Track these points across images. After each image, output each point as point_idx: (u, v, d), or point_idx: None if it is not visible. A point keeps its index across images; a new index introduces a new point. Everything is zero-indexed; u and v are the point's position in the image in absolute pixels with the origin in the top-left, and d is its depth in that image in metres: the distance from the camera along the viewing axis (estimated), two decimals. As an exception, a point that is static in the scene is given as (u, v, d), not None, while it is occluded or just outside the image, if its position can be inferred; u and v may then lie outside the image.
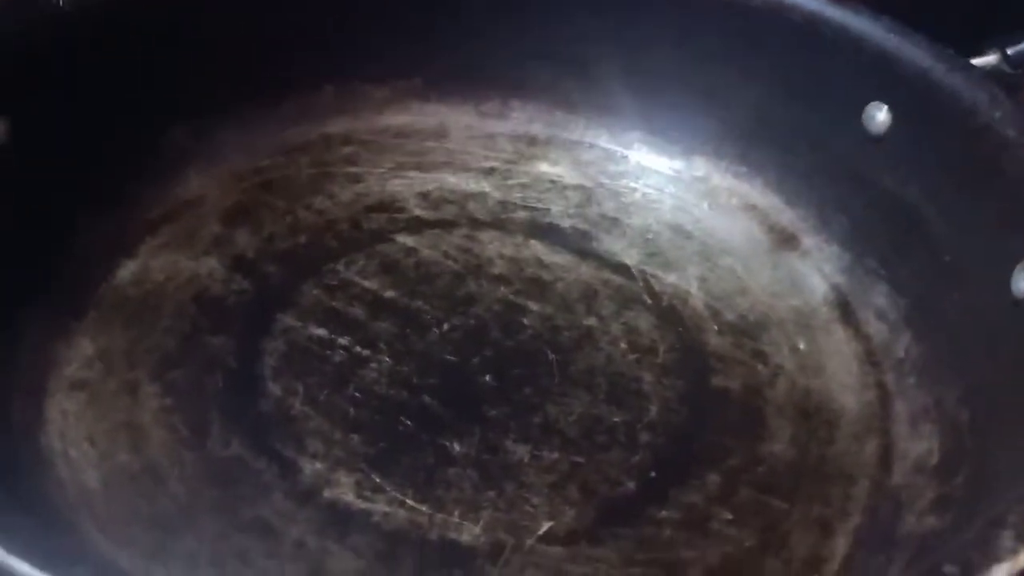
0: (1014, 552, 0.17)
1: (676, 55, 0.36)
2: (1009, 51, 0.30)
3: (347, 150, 0.37)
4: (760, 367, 0.30)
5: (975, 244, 0.27)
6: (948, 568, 0.18)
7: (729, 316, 0.32)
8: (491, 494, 0.26)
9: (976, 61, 0.30)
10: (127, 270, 0.31)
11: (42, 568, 0.16)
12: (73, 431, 0.27)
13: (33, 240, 0.29)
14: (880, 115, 0.31)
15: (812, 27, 0.33)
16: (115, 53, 0.32)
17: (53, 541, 0.18)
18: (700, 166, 0.37)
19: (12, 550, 0.16)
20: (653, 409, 0.29)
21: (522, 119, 0.39)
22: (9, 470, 0.24)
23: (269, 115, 0.36)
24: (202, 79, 0.34)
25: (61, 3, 0.30)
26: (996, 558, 0.18)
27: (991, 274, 0.26)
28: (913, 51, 0.30)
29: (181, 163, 0.34)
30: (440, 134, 0.38)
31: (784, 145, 0.35)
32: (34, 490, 0.24)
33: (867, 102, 0.32)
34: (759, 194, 0.35)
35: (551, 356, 0.31)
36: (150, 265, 0.32)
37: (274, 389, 0.29)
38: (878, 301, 0.31)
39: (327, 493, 0.26)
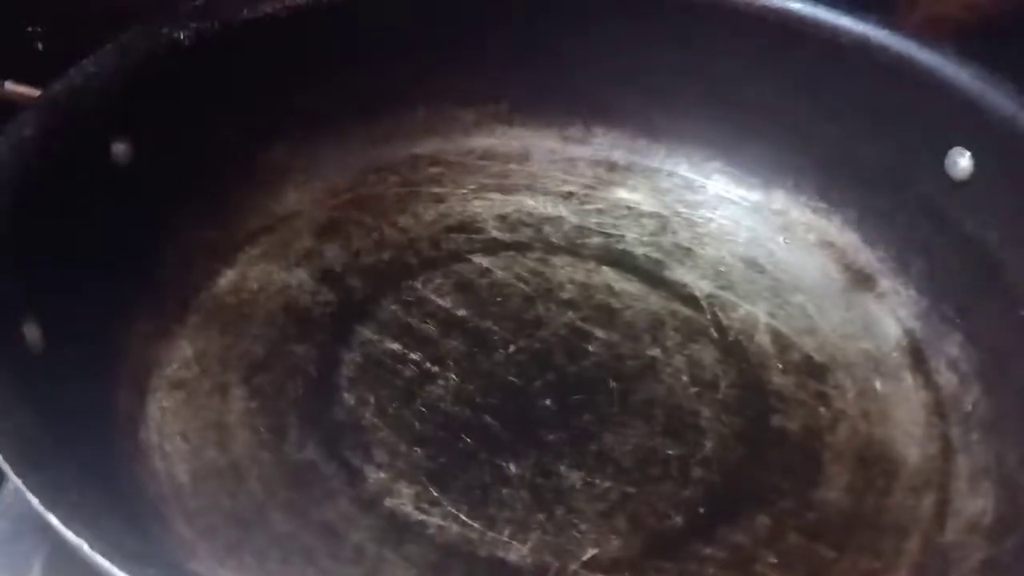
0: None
1: (761, 87, 0.36)
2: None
3: (434, 170, 0.39)
4: (822, 410, 0.30)
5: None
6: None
7: (795, 355, 0.32)
8: (541, 517, 0.27)
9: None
10: (226, 279, 0.34)
11: (121, 568, 0.18)
12: (169, 427, 0.29)
13: (145, 249, 0.32)
14: (963, 160, 0.31)
15: (900, 68, 0.32)
16: (227, 79, 0.34)
17: (139, 534, 0.21)
18: (778, 199, 0.37)
19: (100, 549, 0.19)
20: (708, 445, 0.29)
21: (604, 145, 0.40)
22: (110, 460, 0.27)
23: (363, 134, 0.38)
24: (304, 100, 0.36)
25: (182, 36, 0.33)
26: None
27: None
28: (998, 99, 0.30)
29: (280, 178, 0.37)
30: (523, 157, 0.40)
31: (865, 183, 0.34)
32: (131, 480, 0.27)
33: (951, 146, 0.31)
34: (837, 231, 0.35)
35: (612, 384, 0.31)
36: (247, 274, 0.34)
37: (348, 398, 0.30)
38: (951, 350, 0.30)
39: (388, 502, 0.28)
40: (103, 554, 0.19)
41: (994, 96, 0.30)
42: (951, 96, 0.31)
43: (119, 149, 0.31)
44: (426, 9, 0.37)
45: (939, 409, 0.29)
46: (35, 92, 0.32)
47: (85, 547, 0.19)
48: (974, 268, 0.30)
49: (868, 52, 0.33)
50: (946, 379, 0.30)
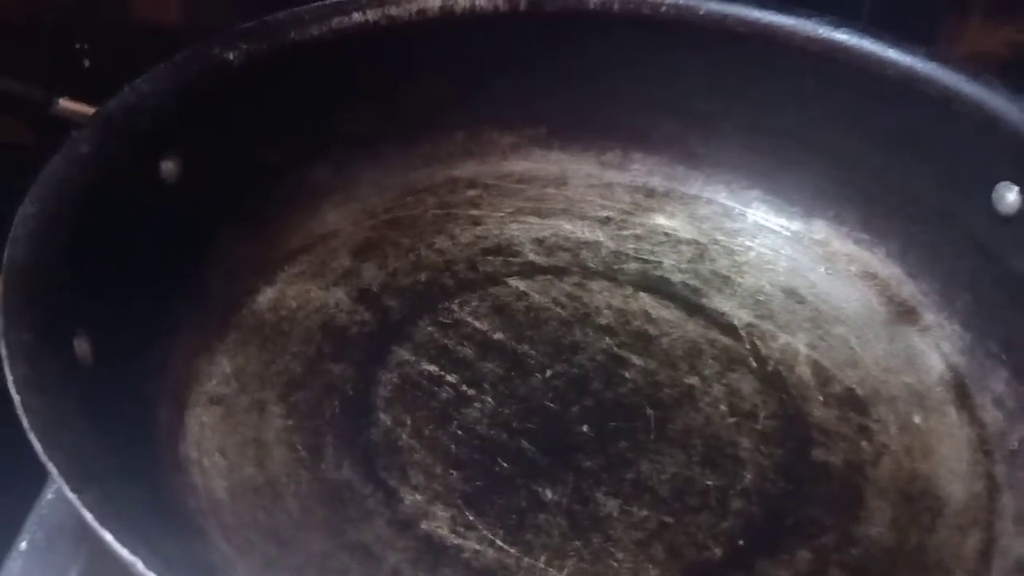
0: None
1: (803, 116, 0.36)
2: None
3: (471, 193, 0.39)
4: (864, 444, 0.30)
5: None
6: None
7: (837, 388, 0.31)
8: (578, 544, 0.27)
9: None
10: (265, 296, 0.34)
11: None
12: (208, 442, 0.29)
13: (189, 266, 0.32)
14: (1011, 195, 0.30)
15: (947, 102, 0.32)
16: (274, 100, 0.35)
17: (180, 549, 0.21)
18: (820, 229, 0.36)
19: (155, 568, 0.19)
20: (748, 476, 0.29)
21: (642, 171, 0.40)
22: (153, 474, 0.27)
23: (402, 156, 0.39)
24: (346, 122, 0.37)
25: (231, 57, 0.33)
26: None
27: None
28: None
29: (320, 198, 0.37)
30: (560, 182, 0.40)
31: (910, 215, 0.34)
32: (171, 494, 0.27)
33: (999, 180, 0.31)
34: (880, 263, 0.35)
35: (650, 412, 0.31)
36: (286, 292, 0.35)
37: (385, 419, 0.30)
38: (997, 387, 0.30)
39: (424, 525, 0.28)
40: (157, 573, 0.19)
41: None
42: (999, 130, 0.30)
43: (168, 167, 0.32)
44: (467, 34, 0.37)
45: (984, 446, 0.29)
46: (88, 109, 0.33)
47: (140, 565, 0.19)
48: (1020, 304, 0.30)
49: (915, 84, 0.33)
50: (991, 416, 0.29)
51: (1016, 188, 0.30)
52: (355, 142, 0.37)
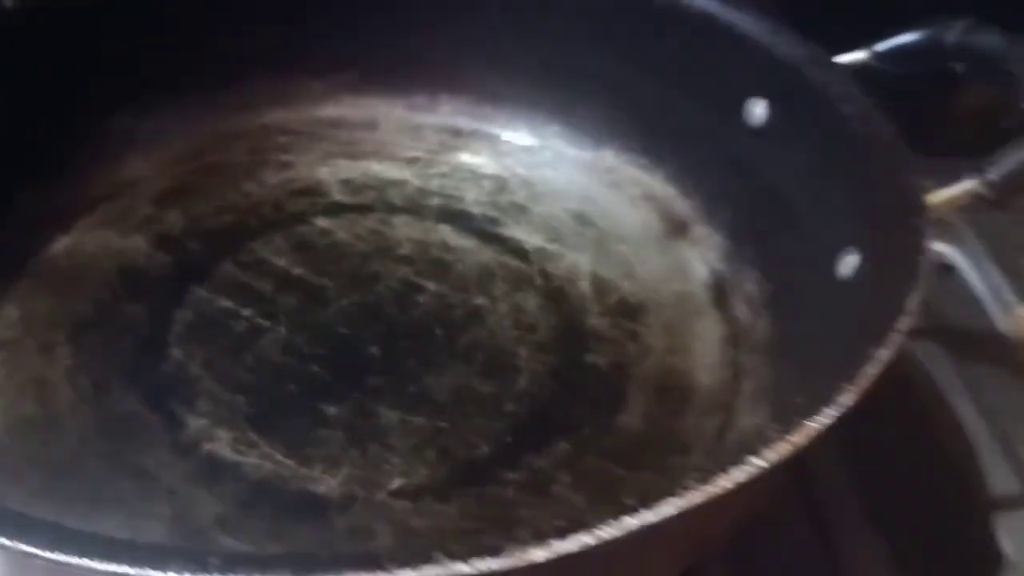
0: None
1: (587, 50, 0.38)
2: (878, 48, 0.31)
3: (282, 139, 0.40)
4: (631, 346, 0.32)
5: (830, 233, 0.29)
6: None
7: (612, 299, 0.34)
8: (355, 453, 0.29)
9: (844, 58, 0.31)
10: (61, 244, 0.34)
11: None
12: (-13, 384, 0.30)
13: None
14: (759, 109, 0.33)
15: (702, 26, 0.34)
16: (62, 44, 0.35)
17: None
18: (609, 157, 0.38)
19: None
20: (522, 382, 0.31)
21: (449, 112, 0.41)
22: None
23: (211, 104, 0.39)
24: (148, 67, 0.37)
25: (7, 3, 0.33)
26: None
27: (825, 259, 0.27)
28: (786, 49, 0.32)
29: (124, 146, 0.37)
30: (371, 126, 0.41)
31: (682, 138, 0.36)
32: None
33: (749, 96, 0.33)
34: (659, 184, 0.37)
35: (438, 331, 0.33)
36: (83, 240, 0.35)
37: (176, 354, 0.31)
38: (749, 287, 0.32)
39: (206, 447, 0.28)
40: None
41: (782, 47, 0.32)
42: (746, 47, 0.33)
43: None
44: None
45: (734, 340, 0.31)
46: None
47: None
48: (772, 212, 0.32)
49: (675, 11, 0.35)
50: (742, 312, 0.32)
51: (764, 102, 0.33)
52: (160, 89, 0.37)
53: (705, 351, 0.31)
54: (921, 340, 0.36)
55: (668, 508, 0.19)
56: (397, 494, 0.27)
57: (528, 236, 0.36)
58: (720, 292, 0.33)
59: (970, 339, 0.38)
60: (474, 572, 0.18)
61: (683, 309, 0.33)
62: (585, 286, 0.34)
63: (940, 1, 0.30)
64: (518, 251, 0.36)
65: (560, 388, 0.31)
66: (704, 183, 0.35)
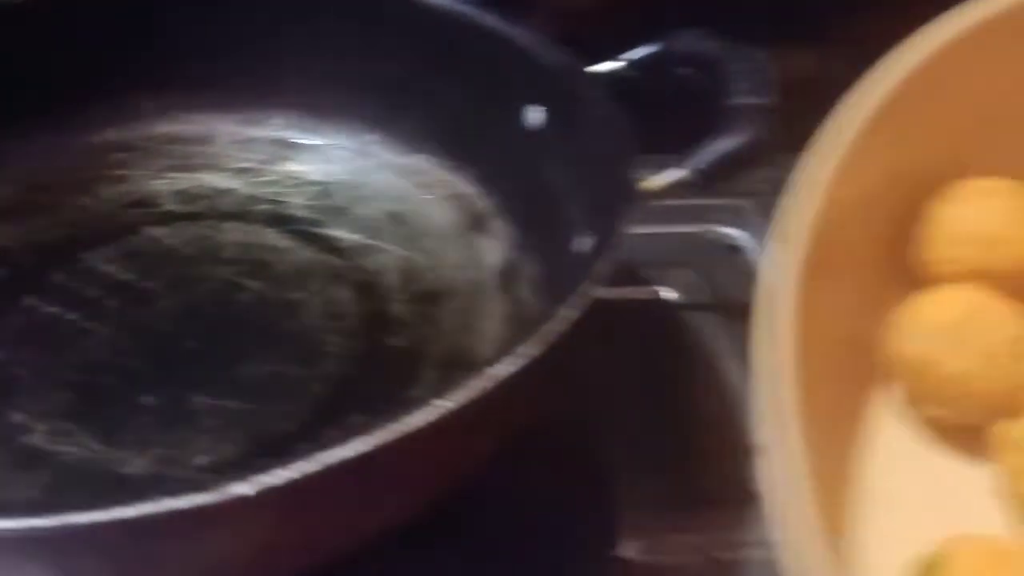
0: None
1: (401, 66, 0.42)
2: (629, 57, 0.36)
3: (119, 156, 0.42)
4: (428, 329, 0.35)
5: (580, 219, 0.33)
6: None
7: (417, 288, 0.37)
8: (164, 436, 0.31)
9: (602, 67, 0.36)
10: None
11: None
12: None
13: None
14: (536, 114, 0.37)
15: (489, 41, 0.38)
16: None
17: None
18: (422, 161, 0.42)
19: None
20: (329, 366, 0.34)
21: (279, 125, 0.44)
22: None
23: (48, 124, 0.41)
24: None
25: None
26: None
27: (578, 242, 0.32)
28: (552, 59, 0.36)
29: (-40, 167, 0.40)
30: (205, 140, 0.43)
31: (481, 143, 0.40)
32: None
33: (527, 103, 0.37)
34: (464, 184, 0.41)
35: (255, 325, 0.36)
36: (-85, 257, 0.37)
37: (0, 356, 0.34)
38: (532, 272, 0.36)
39: (23, 439, 0.31)
40: None
41: (552, 58, 0.36)
42: (525, 60, 0.37)
43: None
44: (97, 8, 0.41)
45: (517, 318, 0.35)
46: None
47: None
48: (547, 206, 0.36)
49: (471, 28, 0.39)
50: (525, 294, 0.36)
51: (539, 107, 0.37)
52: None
53: (491, 330, 0.35)
54: (705, 312, 0.41)
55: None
56: (202, 470, 0.30)
57: (346, 235, 0.40)
58: (507, 277, 0.37)
59: (749, 310, 0.43)
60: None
61: (475, 294, 0.37)
62: (393, 277, 0.38)
63: (680, 16, 0.35)
64: (335, 249, 0.39)
65: (362, 369, 0.34)
66: (499, 182, 0.39)
